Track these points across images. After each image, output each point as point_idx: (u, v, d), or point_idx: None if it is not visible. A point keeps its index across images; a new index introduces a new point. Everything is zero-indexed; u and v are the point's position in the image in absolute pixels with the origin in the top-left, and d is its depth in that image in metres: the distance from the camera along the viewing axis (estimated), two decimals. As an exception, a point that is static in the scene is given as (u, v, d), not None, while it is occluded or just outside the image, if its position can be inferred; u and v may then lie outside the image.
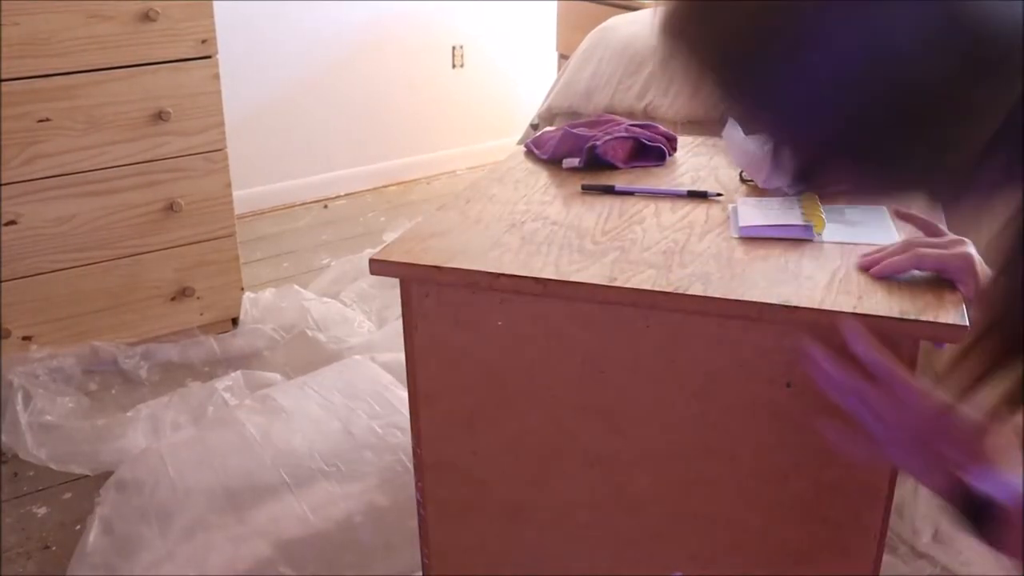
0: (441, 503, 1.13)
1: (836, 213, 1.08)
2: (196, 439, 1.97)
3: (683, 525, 1.02)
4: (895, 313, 0.86)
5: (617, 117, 1.38)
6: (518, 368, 1.01)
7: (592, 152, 1.26)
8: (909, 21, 0.56)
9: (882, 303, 0.88)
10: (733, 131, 1.20)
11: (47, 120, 2.19)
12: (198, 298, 2.50)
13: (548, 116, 2.64)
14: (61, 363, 2.25)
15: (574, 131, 1.29)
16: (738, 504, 0.98)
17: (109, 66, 2.24)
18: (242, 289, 2.59)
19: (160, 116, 2.32)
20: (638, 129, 1.31)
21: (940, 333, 0.85)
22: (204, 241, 2.48)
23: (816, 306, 0.88)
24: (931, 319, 0.85)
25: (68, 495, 1.91)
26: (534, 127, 2.70)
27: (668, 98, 2.25)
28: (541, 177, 1.27)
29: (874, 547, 0.95)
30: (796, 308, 0.88)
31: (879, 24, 0.56)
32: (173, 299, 2.48)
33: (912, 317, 0.85)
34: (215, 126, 2.43)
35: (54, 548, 1.76)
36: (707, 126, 2.13)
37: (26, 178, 2.19)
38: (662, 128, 1.34)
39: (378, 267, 1.00)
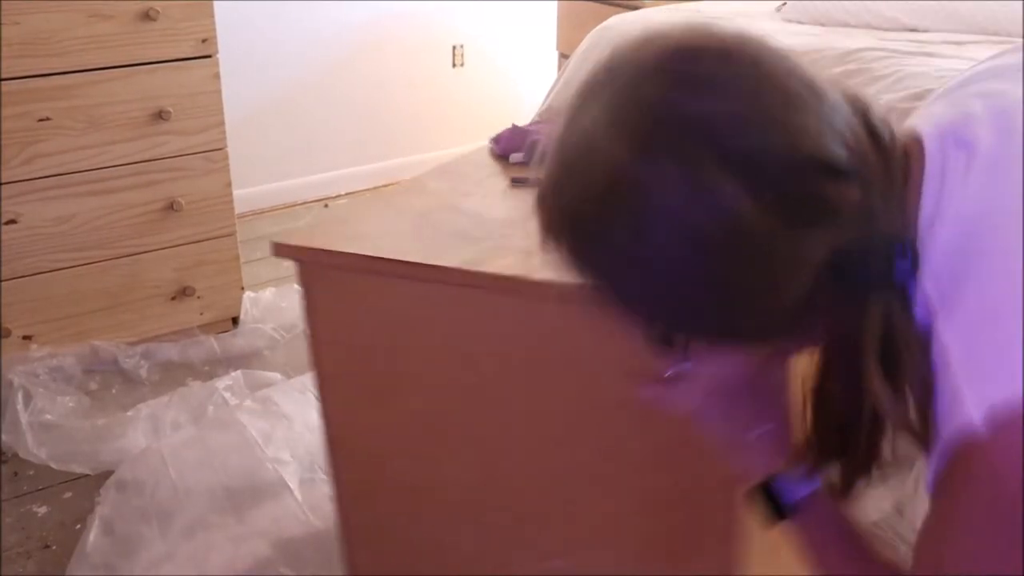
0: (349, 477, 1.16)
1: None
2: (197, 439, 1.97)
3: (559, 510, 1.02)
4: None
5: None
6: (401, 349, 1.03)
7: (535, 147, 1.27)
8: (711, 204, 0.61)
9: None
10: None
11: (47, 119, 2.19)
12: (198, 298, 2.50)
13: (549, 115, 2.64)
14: (61, 362, 2.25)
15: (521, 128, 1.32)
16: (603, 494, 0.98)
17: (109, 65, 2.24)
18: (242, 289, 2.58)
19: (160, 115, 2.32)
20: None
21: None
22: (204, 240, 2.48)
23: None
24: None
25: (68, 494, 1.90)
26: (534, 127, 2.70)
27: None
28: (486, 171, 1.29)
29: (726, 548, 0.94)
30: None
31: (692, 211, 0.61)
32: (173, 299, 2.47)
33: None
34: (215, 125, 2.43)
35: (54, 547, 1.76)
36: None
37: (26, 177, 2.19)
38: None
39: (278, 250, 1.04)
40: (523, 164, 1.29)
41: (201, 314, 2.52)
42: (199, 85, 2.37)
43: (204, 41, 2.34)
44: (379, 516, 1.16)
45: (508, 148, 1.32)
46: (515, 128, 1.33)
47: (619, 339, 0.86)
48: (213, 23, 2.34)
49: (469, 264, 0.94)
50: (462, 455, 1.05)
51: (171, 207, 2.40)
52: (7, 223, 2.18)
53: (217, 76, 2.39)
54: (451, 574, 1.13)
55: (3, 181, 2.15)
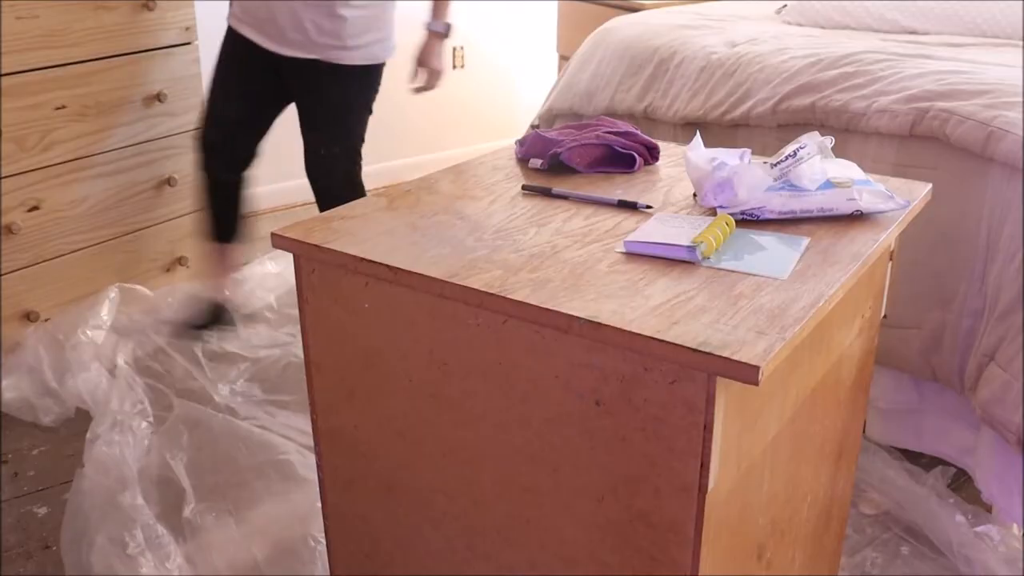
0: (334, 469, 1.17)
1: (746, 240, 1.04)
2: (201, 445, 1.96)
3: (522, 528, 1.01)
4: (694, 344, 0.80)
5: (616, 121, 1.39)
6: (382, 350, 1.04)
7: (556, 157, 1.28)
8: None
9: (691, 332, 0.82)
10: (694, 148, 1.19)
11: (63, 107, 2.30)
12: (187, 267, 2.68)
13: (549, 117, 2.65)
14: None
15: (545, 135, 1.32)
16: (563, 518, 0.97)
17: (114, 54, 2.39)
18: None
19: (158, 98, 2.51)
20: (613, 136, 1.31)
21: (732, 370, 0.78)
22: (191, 213, 2.67)
23: (623, 326, 0.83)
24: (726, 355, 0.78)
25: (68, 495, 1.90)
26: (535, 128, 2.71)
27: (667, 99, 2.26)
28: (502, 174, 1.28)
29: None
30: (600, 325, 0.84)
31: None
32: (168, 270, 2.65)
33: (706, 350, 0.79)
34: (196, 106, 2.61)
35: (54, 548, 1.73)
36: (704, 127, 2.13)
37: (45, 164, 2.29)
38: (644, 137, 1.33)
39: (277, 241, 1.06)
40: (540, 171, 1.29)
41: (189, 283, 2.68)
42: (183, 69, 2.58)
43: (187, 29, 2.56)
44: (356, 509, 1.17)
45: (529, 153, 1.32)
46: (538, 134, 1.33)
47: (586, 366, 0.88)
48: (194, 12, 2.55)
49: (451, 275, 0.94)
50: (434, 461, 1.05)
51: (167, 183, 2.58)
52: (31, 210, 2.27)
53: (197, 60, 2.59)
54: (418, 575, 1.14)
55: (25, 169, 2.25)
